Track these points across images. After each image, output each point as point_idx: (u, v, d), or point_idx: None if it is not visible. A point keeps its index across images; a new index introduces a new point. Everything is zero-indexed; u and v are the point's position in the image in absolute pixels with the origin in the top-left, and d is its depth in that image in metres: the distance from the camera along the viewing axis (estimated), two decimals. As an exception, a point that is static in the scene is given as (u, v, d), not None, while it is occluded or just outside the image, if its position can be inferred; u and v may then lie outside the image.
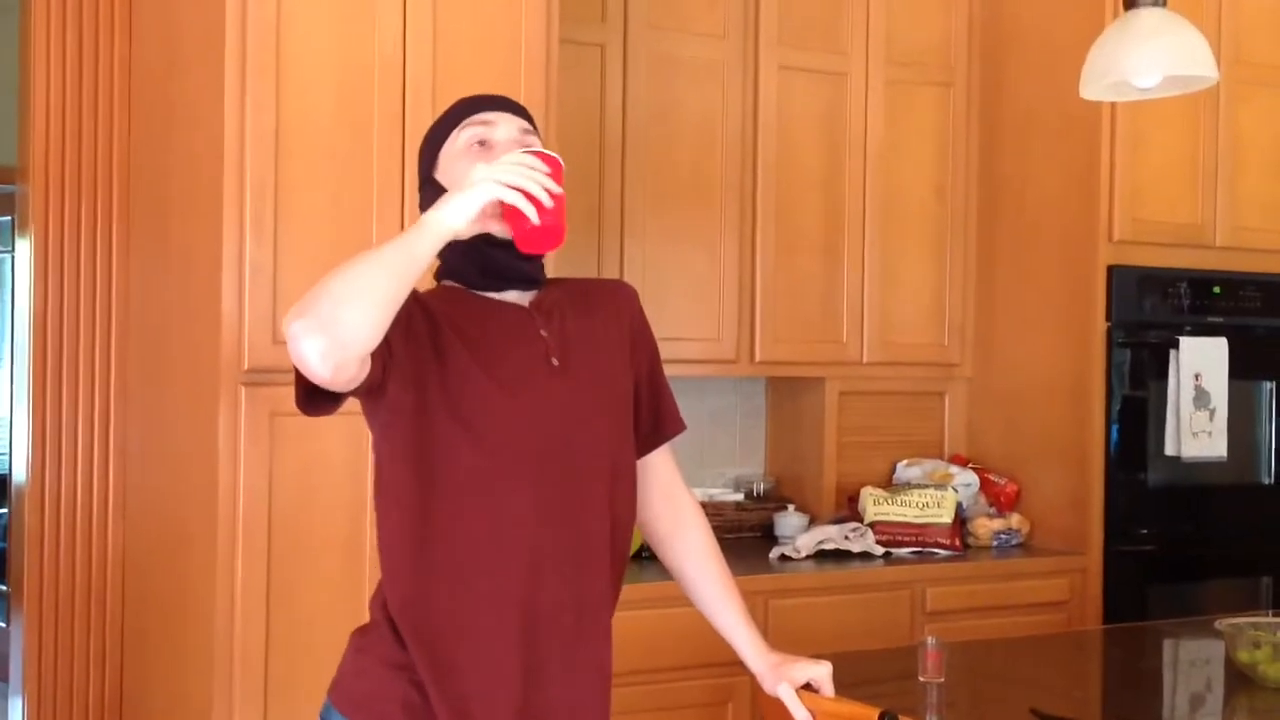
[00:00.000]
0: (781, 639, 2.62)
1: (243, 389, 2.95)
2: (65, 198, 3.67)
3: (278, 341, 2.95)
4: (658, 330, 3.95)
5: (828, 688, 2.14)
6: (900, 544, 4.19)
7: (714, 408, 4.50)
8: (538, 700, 1.92)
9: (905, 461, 4.57)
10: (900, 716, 2.03)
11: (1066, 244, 4.29)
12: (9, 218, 4.68)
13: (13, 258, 4.11)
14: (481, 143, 1.97)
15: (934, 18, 4.46)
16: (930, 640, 2.42)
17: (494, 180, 1.77)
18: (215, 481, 2.95)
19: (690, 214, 4.09)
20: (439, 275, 2.05)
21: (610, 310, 2.11)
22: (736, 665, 2.25)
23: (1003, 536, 4.34)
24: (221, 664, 2.96)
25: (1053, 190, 4.33)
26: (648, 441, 2.14)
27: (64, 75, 3.68)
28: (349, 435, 3.01)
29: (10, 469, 3.86)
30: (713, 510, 4.34)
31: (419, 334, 1.89)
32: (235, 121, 2.96)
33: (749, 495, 4.49)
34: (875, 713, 2.03)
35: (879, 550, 4.13)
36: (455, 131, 2.00)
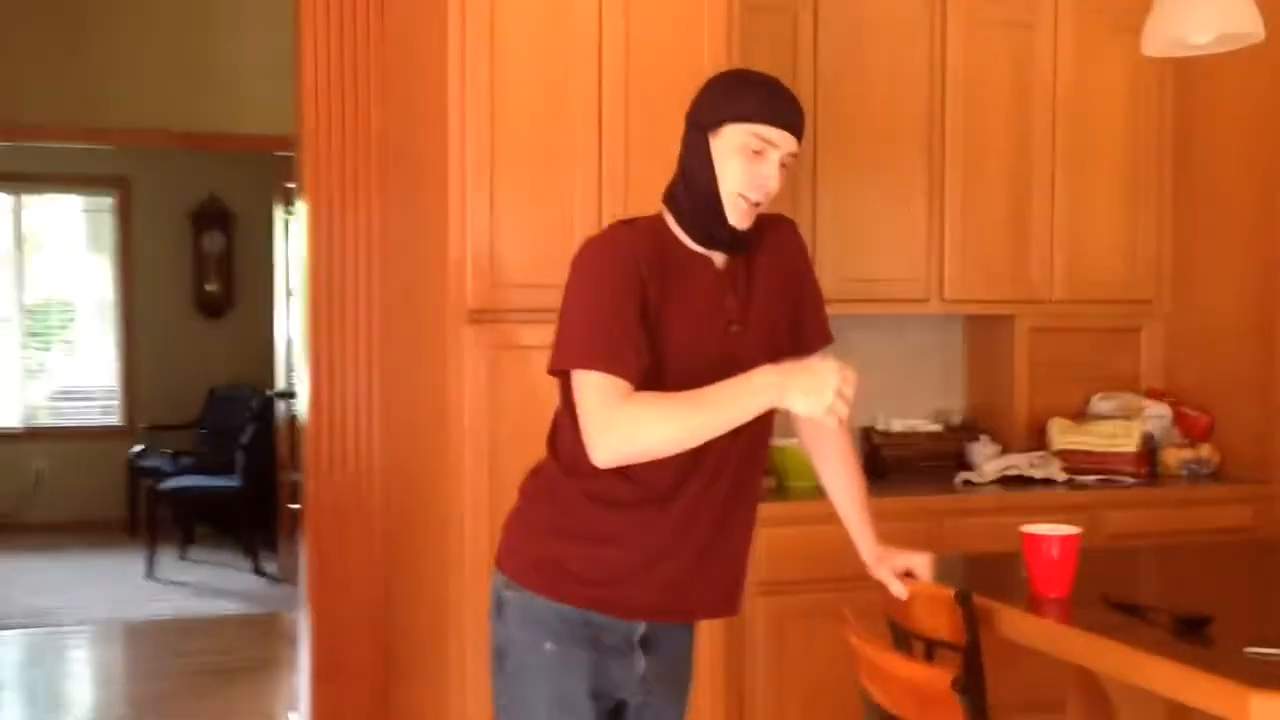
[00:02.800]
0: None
1: (467, 326, 3.48)
2: (331, 164, 4.30)
3: (495, 285, 3.48)
4: (848, 271, 4.36)
5: (926, 574, 2.50)
6: (1085, 471, 4.44)
7: (913, 344, 4.82)
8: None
9: (1100, 395, 4.79)
10: (974, 596, 2.37)
11: (1261, 182, 4.41)
12: (294, 184, 5.39)
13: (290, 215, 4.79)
14: (758, 152, 2.24)
15: (1122, -37, 4.62)
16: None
17: (829, 406, 2.08)
18: (446, 406, 3.50)
19: (879, 164, 4.41)
20: (665, 199, 2.39)
21: (776, 256, 2.41)
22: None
23: (1193, 466, 4.53)
24: (454, 567, 3.51)
25: (1247, 129, 4.45)
26: (794, 353, 2.41)
27: (329, 58, 4.30)
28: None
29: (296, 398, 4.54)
30: (909, 440, 4.69)
31: (645, 308, 2.23)
32: (457, 98, 3.47)
33: (946, 426, 4.80)
34: (952, 593, 2.38)
35: (1062, 477, 4.40)
36: (745, 125, 2.23)
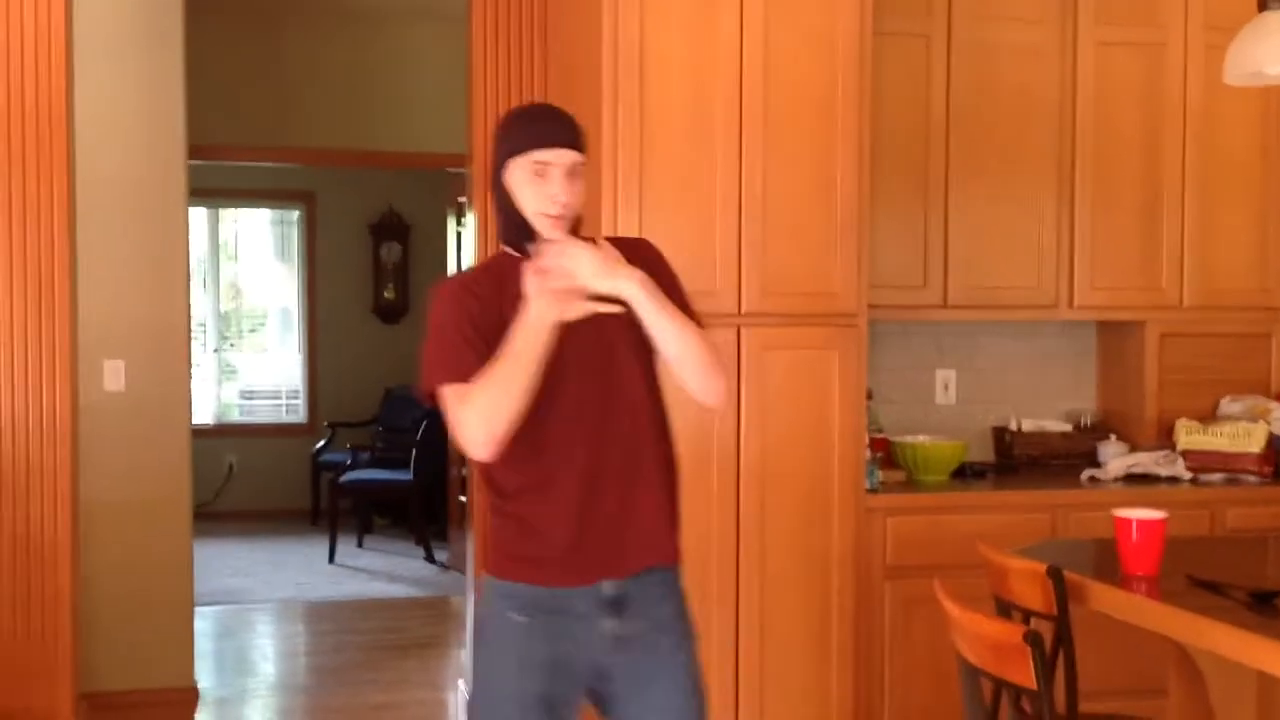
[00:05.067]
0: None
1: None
2: (500, 181, 4.71)
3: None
4: (977, 280, 4.60)
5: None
6: (1209, 470, 4.62)
7: (1045, 348, 5.06)
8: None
9: (1229, 397, 4.95)
10: (1067, 572, 2.65)
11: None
12: (464, 198, 5.84)
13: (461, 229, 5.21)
14: (539, 174, 2.48)
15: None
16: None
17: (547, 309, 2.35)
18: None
19: (1009, 179, 4.66)
20: (498, 238, 2.65)
21: (632, 259, 2.50)
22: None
23: (1319, 467, 4.66)
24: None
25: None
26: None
27: (497, 83, 4.72)
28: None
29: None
30: (1040, 439, 4.92)
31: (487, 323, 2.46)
32: (610, 117, 3.86)
33: (1077, 427, 5.02)
34: (1044, 569, 2.66)
35: (1186, 475, 4.59)
36: (519, 157, 2.49)
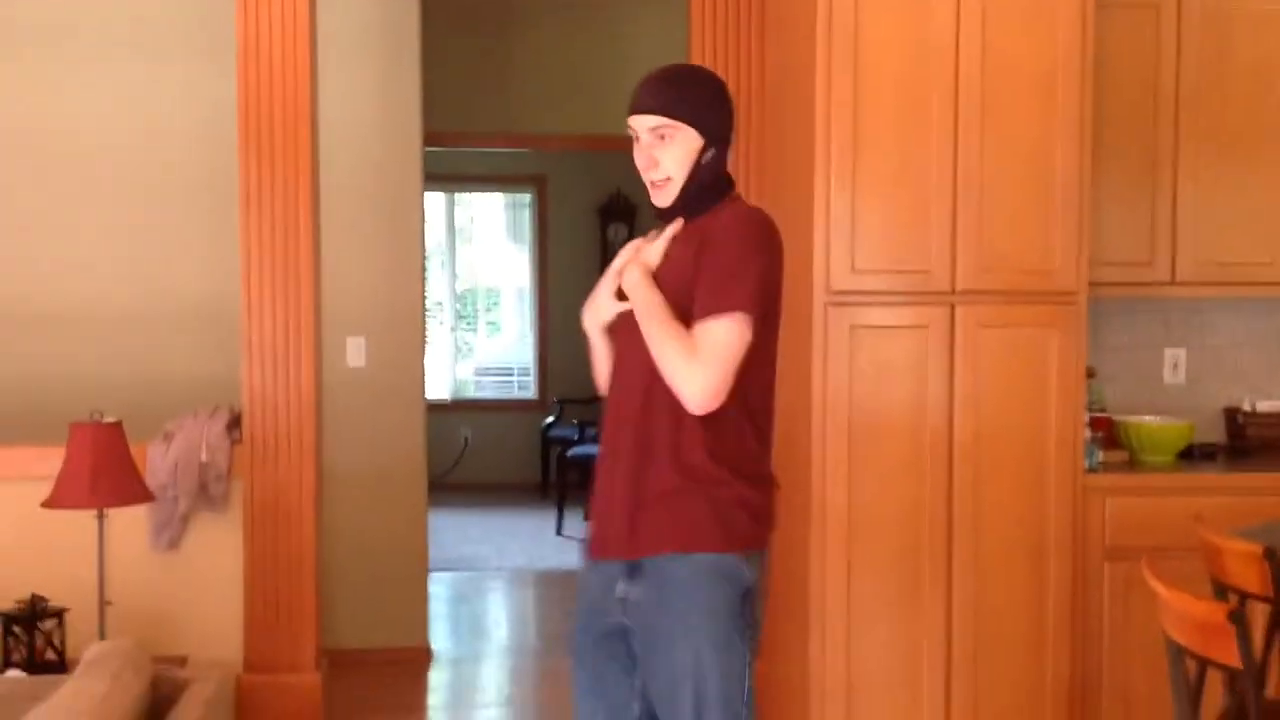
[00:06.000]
0: None
1: (828, 307, 3.91)
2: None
3: (855, 270, 3.89)
4: (1208, 255, 4.46)
5: None
6: None
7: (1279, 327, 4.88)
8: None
9: None
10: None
11: None
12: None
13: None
14: (635, 140, 2.59)
15: None
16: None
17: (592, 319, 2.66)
18: (810, 375, 3.94)
19: (1243, 154, 4.48)
20: None
21: (701, 237, 2.53)
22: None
23: None
24: (817, 527, 3.95)
25: None
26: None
27: (715, 61, 4.77)
28: (910, 342, 3.90)
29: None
30: (1277, 420, 4.75)
31: None
32: (823, 99, 3.89)
33: (1316, 409, 4.82)
34: (1261, 549, 2.61)
35: None
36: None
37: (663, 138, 2.51)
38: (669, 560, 2.48)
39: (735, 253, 2.46)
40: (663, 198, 2.53)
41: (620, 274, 2.57)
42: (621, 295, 2.57)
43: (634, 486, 2.50)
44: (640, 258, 2.56)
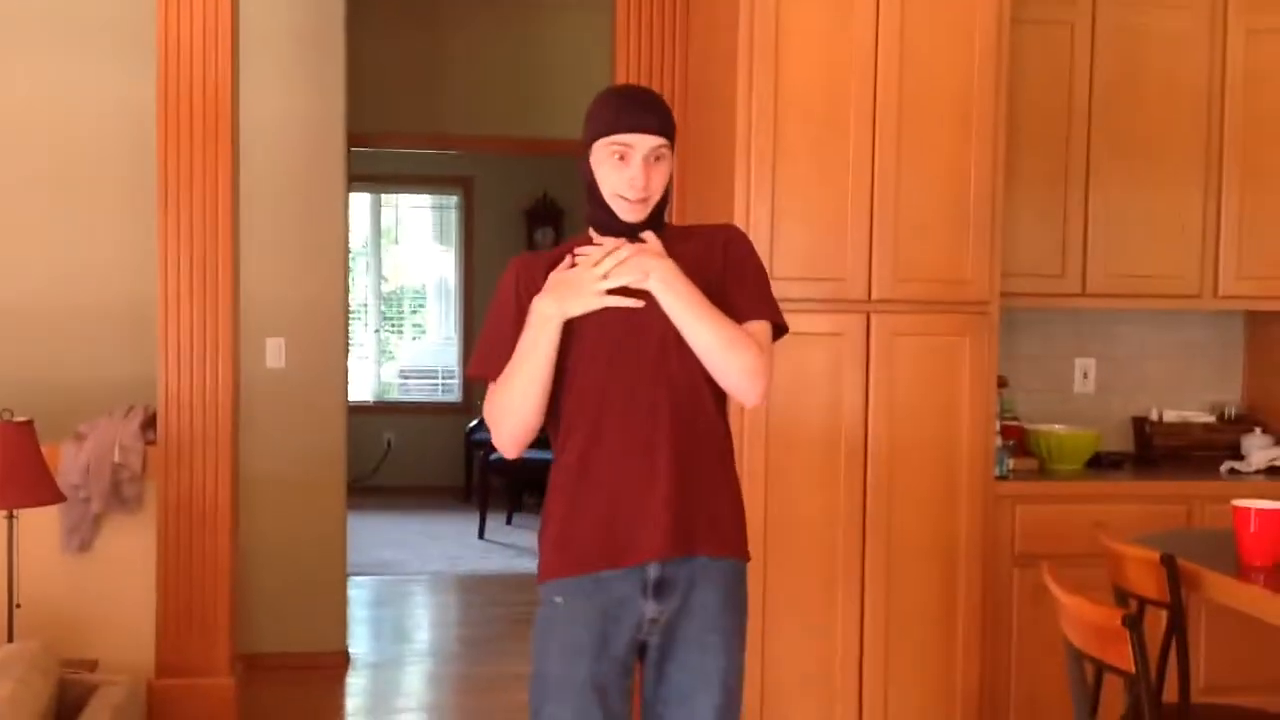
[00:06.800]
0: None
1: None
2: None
3: (773, 278, 3.84)
4: (1117, 268, 4.56)
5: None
6: (1358, 465, 4.51)
7: (1189, 337, 5.00)
8: None
9: (1383, 393, 4.82)
10: (1181, 560, 2.66)
11: None
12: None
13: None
14: (621, 156, 2.50)
15: None
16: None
17: (563, 307, 2.46)
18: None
19: (1152, 168, 4.60)
20: (585, 216, 2.64)
21: (705, 247, 2.58)
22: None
23: None
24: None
25: None
26: None
27: (639, 73, 4.81)
28: (826, 350, 3.95)
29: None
30: (1181, 429, 4.86)
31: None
32: (744, 109, 3.93)
33: (1220, 418, 4.94)
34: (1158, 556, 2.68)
35: (1332, 470, 4.49)
36: (603, 139, 2.51)
37: (659, 158, 2.52)
38: (727, 562, 2.54)
39: (760, 265, 2.63)
40: (636, 214, 2.53)
41: (630, 269, 2.46)
42: (626, 292, 2.48)
43: (680, 485, 2.48)
44: (643, 251, 2.49)
